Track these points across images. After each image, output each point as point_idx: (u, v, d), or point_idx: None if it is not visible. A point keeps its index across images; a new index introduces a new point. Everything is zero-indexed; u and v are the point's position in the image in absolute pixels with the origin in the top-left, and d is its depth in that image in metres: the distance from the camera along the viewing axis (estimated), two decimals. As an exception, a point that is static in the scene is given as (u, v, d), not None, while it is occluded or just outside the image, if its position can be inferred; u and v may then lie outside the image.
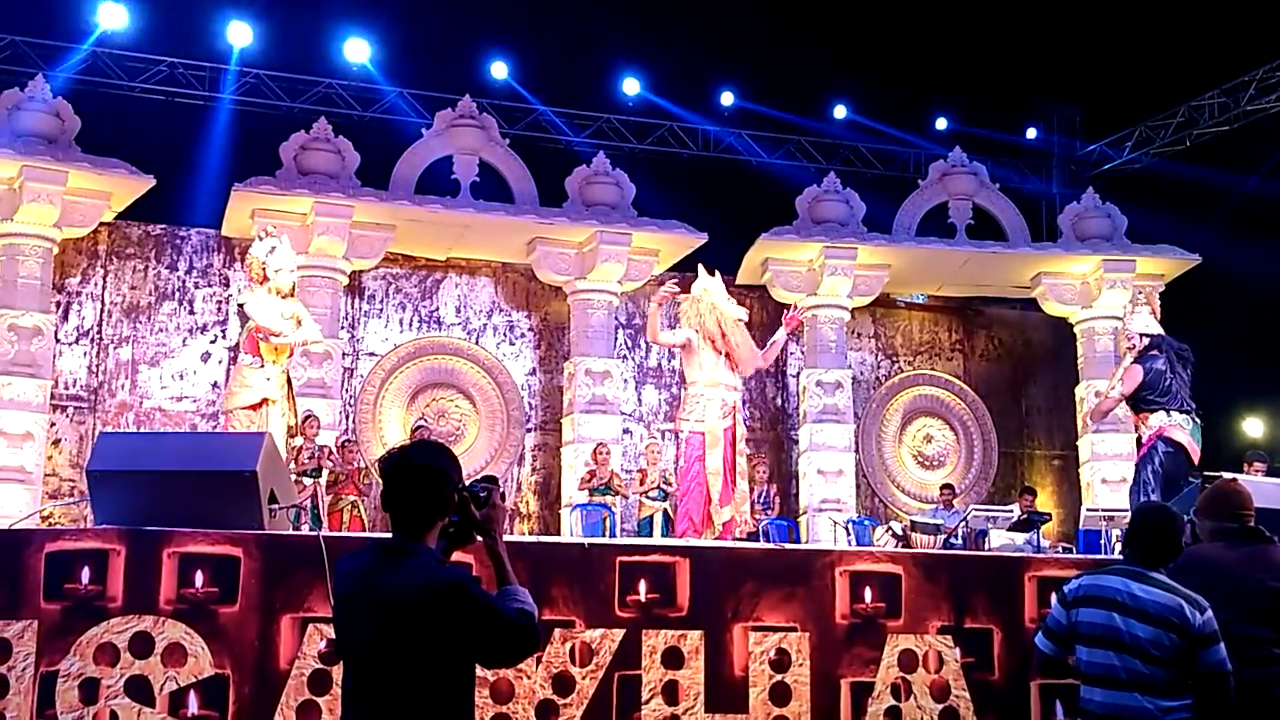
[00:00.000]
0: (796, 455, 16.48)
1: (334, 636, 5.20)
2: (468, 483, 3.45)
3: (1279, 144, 16.37)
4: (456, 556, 3.51)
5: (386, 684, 3.24)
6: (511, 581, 3.43)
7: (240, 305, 8.65)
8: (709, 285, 9.04)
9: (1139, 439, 8.98)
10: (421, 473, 3.35)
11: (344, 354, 14.97)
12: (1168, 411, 8.41)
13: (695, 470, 8.55)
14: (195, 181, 14.84)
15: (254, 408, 8.30)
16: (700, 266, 9.43)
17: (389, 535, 3.39)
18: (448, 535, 3.41)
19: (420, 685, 3.22)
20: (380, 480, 3.43)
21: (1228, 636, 4.50)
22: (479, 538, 3.45)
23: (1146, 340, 8.72)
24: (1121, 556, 4.55)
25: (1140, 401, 8.58)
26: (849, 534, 13.12)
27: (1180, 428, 8.38)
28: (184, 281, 14.97)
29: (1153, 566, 4.37)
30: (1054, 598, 4.64)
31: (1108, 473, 15.96)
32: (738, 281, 16.71)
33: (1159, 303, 9.10)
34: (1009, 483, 17.62)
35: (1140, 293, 9.17)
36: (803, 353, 16.60)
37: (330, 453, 12.68)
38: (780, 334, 9.26)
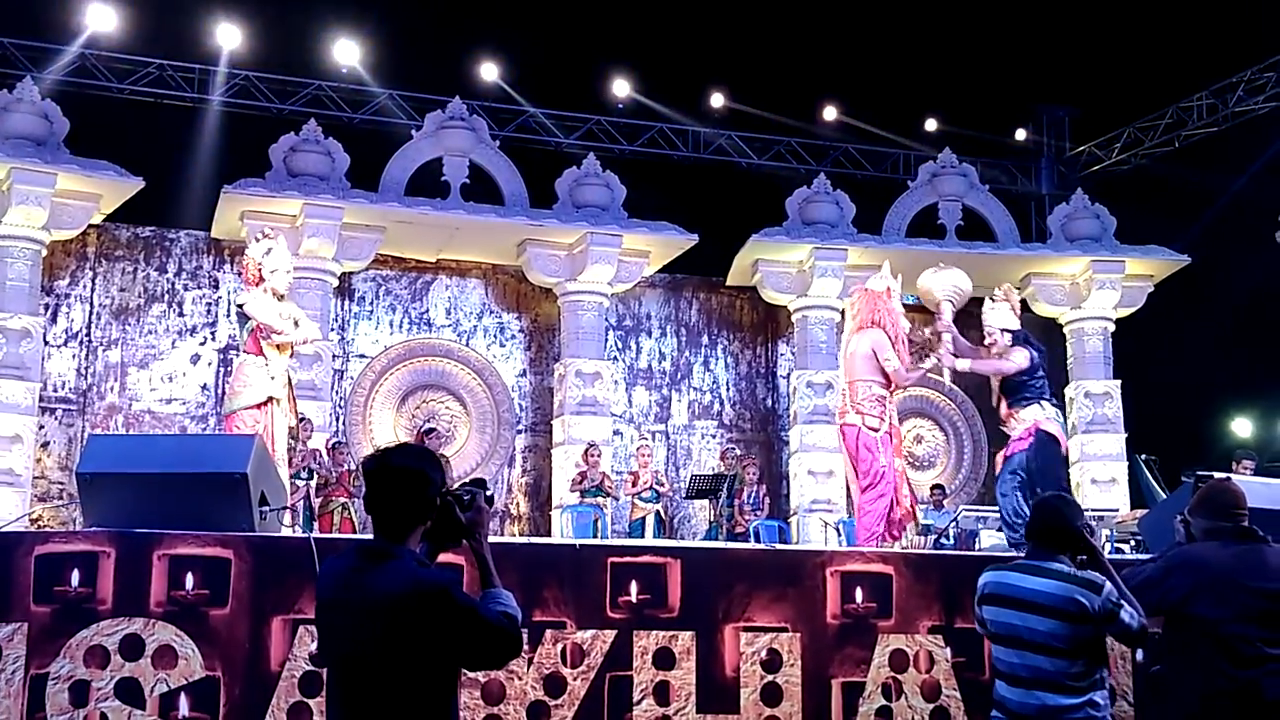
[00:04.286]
0: (787, 456, 16.50)
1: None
2: (456, 486, 3.46)
3: (1267, 145, 16.42)
4: (449, 558, 3.51)
5: (371, 686, 3.23)
6: (495, 584, 3.42)
7: (240, 305, 8.60)
8: (893, 285, 8.83)
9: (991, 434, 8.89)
10: (402, 475, 3.34)
11: (334, 356, 14.95)
12: (1041, 404, 8.38)
13: (884, 472, 8.30)
14: (184, 183, 14.81)
15: (259, 407, 8.26)
16: (886, 264, 9.15)
17: (370, 537, 3.39)
18: (431, 537, 3.41)
19: (404, 687, 3.22)
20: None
21: (1219, 636, 4.51)
22: (463, 540, 3.45)
23: (1009, 335, 8.68)
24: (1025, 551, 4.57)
25: (1013, 394, 8.49)
26: (839, 534, 13.12)
27: (1054, 420, 8.37)
28: (173, 283, 14.94)
29: (1050, 557, 4.36)
30: None
31: (1097, 473, 16.02)
32: (728, 282, 16.76)
33: (1017, 299, 9.09)
34: (999, 483, 17.63)
35: (999, 289, 9.13)
36: (793, 354, 16.62)
37: (319, 455, 12.67)
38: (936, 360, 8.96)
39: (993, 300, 8.96)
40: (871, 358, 8.51)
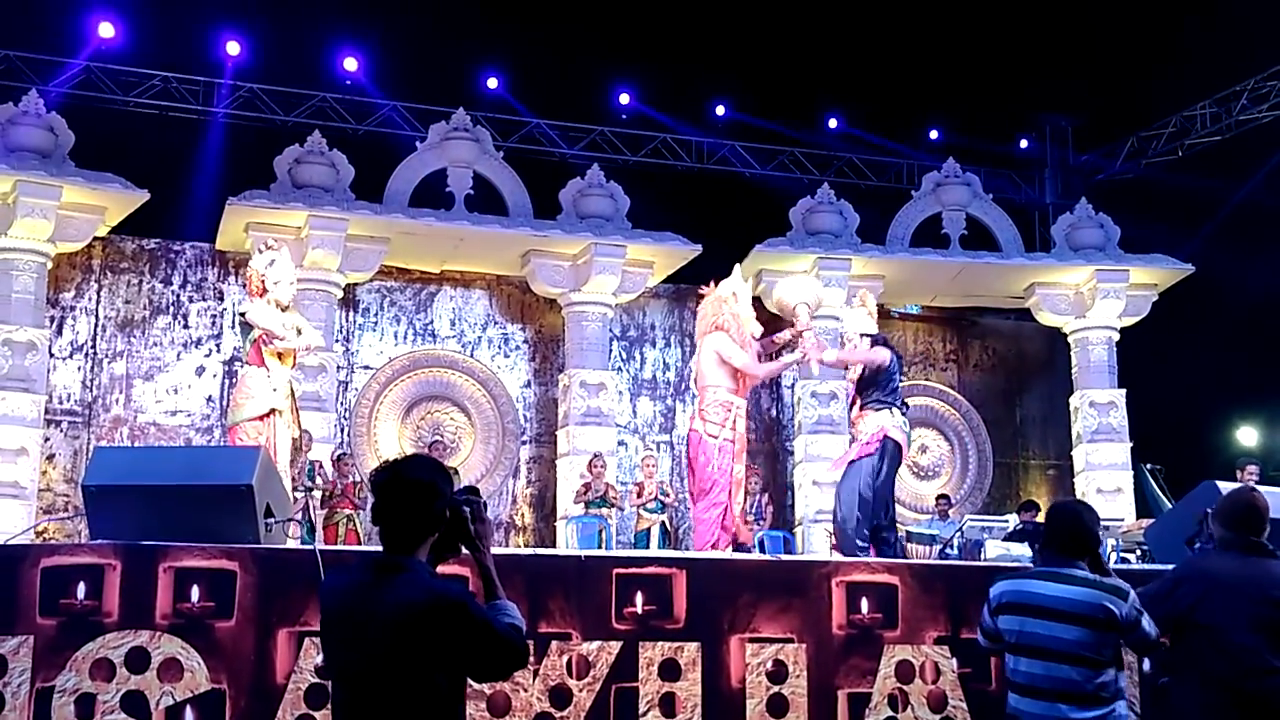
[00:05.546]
0: (792, 466, 16.48)
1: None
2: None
3: (1271, 153, 16.42)
4: (452, 569, 3.50)
5: (383, 698, 3.23)
6: (500, 596, 3.43)
7: (241, 314, 8.60)
8: (739, 289, 8.83)
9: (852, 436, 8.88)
10: (414, 488, 3.33)
11: (339, 367, 14.95)
12: (891, 410, 8.40)
13: (719, 479, 8.31)
14: (189, 195, 14.83)
15: (262, 418, 8.25)
16: (737, 268, 9.16)
17: (379, 550, 3.38)
18: (434, 548, 3.40)
19: (416, 699, 3.22)
20: (372, 494, 3.42)
21: (1225, 646, 4.49)
22: (464, 550, 3.45)
23: (867, 339, 8.71)
24: (1040, 557, 4.52)
25: (866, 398, 8.53)
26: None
27: (900, 429, 8.39)
28: (178, 295, 14.96)
29: (1069, 563, 4.30)
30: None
31: (1103, 482, 15.98)
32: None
33: (874, 303, 9.10)
34: (1004, 493, 17.64)
35: (856, 294, 9.16)
36: (797, 364, 16.57)
37: (320, 467, 12.66)
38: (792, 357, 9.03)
39: (850, 305, 9.03)
40: (716, 362, 8.45)
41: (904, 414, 8.48)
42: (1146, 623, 4.22)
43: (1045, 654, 4.20)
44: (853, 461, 8.51)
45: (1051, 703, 4.17)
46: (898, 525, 8.91)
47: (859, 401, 8.63)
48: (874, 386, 8.47)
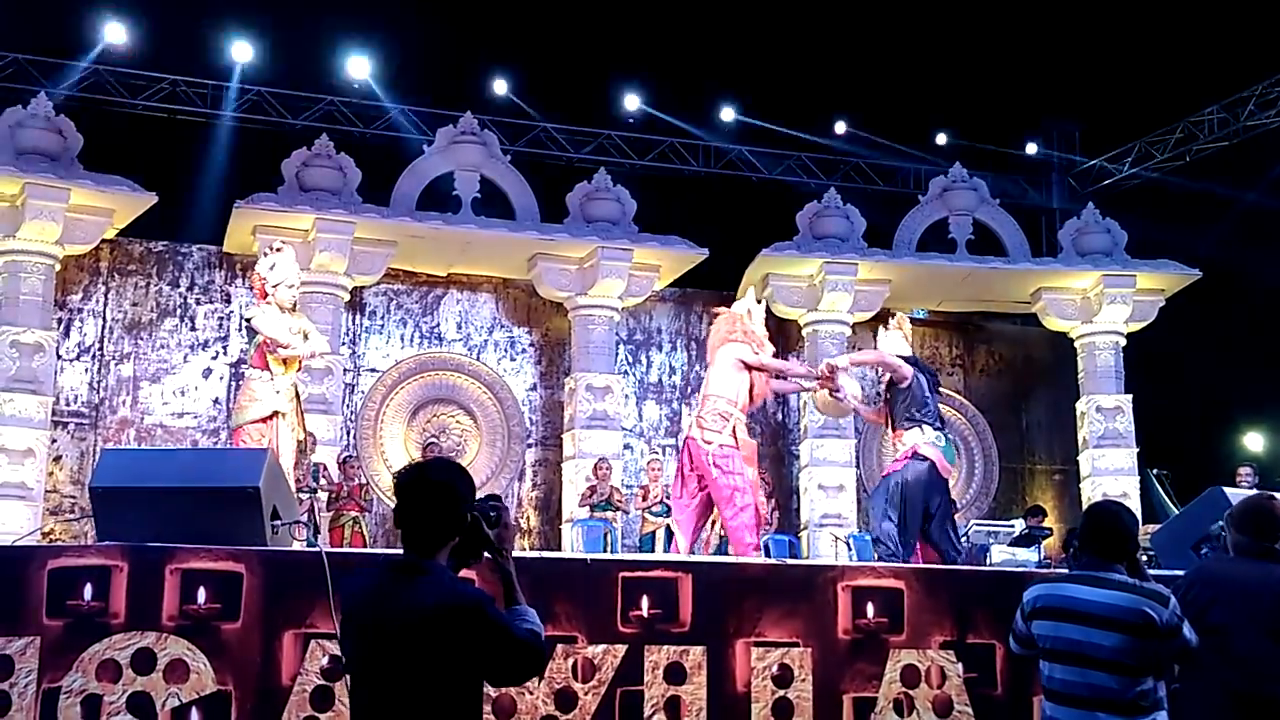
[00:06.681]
0: (797, 470, 16.47)
1: (338, 653, 5.21)
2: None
3: (1278, 158, 16.39)
4: (463, 573, 3.51)
5: (399, 700, 3.24)
6: (520, 601, 3.44)
7: (247, 319, 8.62)
8: (754, 308, 8.90)
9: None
10: (438, 490, 3.35)
11: (345, 370, 14.98)
12: (923, 428, 8.40)
13: (745, 481, 8.35)
14: (197, 198, 14.87)
15: (264, 421, 8.26)
16: (750, 291, 9.24)
17: (399, 552, 3.39)
18: (455, 553, 3.41)
19: (433, 702, 3.23)
20: (391, 496, 3.44)
21: (1233, 650, 4.48)
22: (486, 555, 3.46)
23: (900, 360, 8.74)
24: (1075, 561, 4.45)
25: (896, 416, 8.58)
26: (850, 549, 13.11)
27: (934, 445, 8.38)
28: (185, 298, 14.99)
29: (1108, 567, 4.17)
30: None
31: (1109, 488, 15.96)
32: (739, 297, 16.74)
33: (909, 326, 9.11)
34: (1010, 498, 17.62)
35: (892, 317, 9.20)
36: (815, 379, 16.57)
37: (325, 469, 12.67)
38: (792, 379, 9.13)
39: (885, 328, 9.07)
40: (727, 373, 8.50)
41: (937, 430, 8.47)
42: (1187, 630, 4.10)
43: (1082, 660, 4.07)
44: (884, 477, 8.63)
45: (1090, 711, 4.04)
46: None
47: (892, 423, 8.66)
48: (905, 404, 8.50)
